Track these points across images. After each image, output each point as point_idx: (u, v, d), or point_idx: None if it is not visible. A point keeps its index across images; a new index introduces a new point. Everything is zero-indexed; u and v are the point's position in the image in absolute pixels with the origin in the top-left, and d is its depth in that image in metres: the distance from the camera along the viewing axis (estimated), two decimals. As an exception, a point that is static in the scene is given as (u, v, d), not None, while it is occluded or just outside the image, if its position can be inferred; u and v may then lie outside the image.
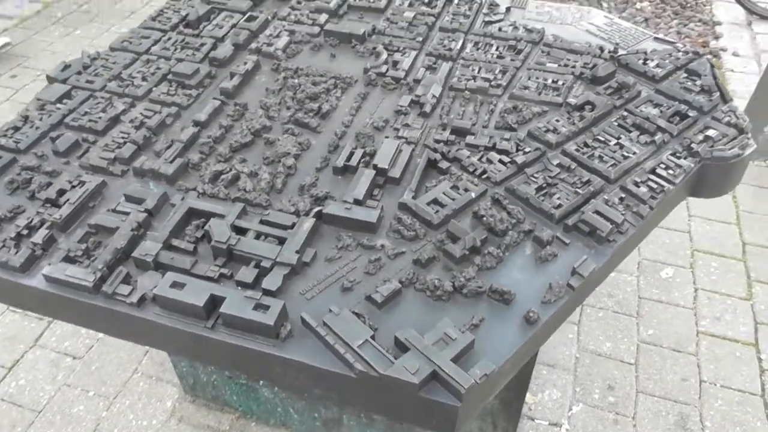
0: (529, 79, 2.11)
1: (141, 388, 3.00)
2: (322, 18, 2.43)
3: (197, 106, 2.05)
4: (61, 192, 1.72)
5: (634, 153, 1.80)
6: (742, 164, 1.84)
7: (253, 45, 2.30)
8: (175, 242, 1.58)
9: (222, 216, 1.63)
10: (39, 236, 1.59)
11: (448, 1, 2.56)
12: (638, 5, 5.98)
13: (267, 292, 1.46)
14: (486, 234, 1.59)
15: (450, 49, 2.25)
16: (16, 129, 1.95)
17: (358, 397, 1.41)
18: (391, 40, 2.32)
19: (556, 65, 2.16)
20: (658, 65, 2.12)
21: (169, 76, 2.14)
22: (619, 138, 1.86)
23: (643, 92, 2.04)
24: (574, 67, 2.15)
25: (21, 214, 1.70)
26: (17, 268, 1.54)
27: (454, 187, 1.72)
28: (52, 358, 3.12)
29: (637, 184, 1.71)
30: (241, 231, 1.60)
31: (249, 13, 2.45)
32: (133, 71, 2.18)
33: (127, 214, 1.65)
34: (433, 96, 2.03)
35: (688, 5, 5.97)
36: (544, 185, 1.72)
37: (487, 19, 2.42)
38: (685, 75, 2.09)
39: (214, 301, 1.43)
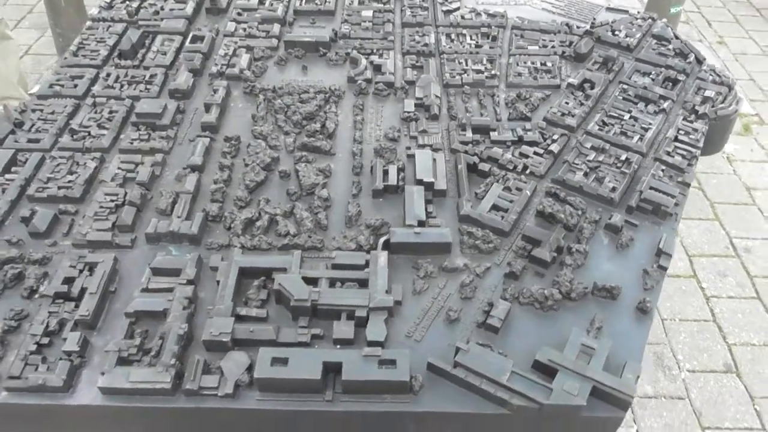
0: (518, 65, 2.08)
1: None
2: (275, 28, 2.22)
3: (182, 149, 1.78)
4: (69, 280, 1.40)
5: (650, 123, 1.84)
6: (736, 119, 1.96)
7: (213, 69, 2.03)
8: (242, 311, 1.36)
9: (283, 270, 1.42)
10: (71, 342, 1.28)
11: (397, -6, 2.45)
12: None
13: (372, 344, 1.30)
14: (564, 232, 1.54)
15: (426, 45, 2.16)
16: (-35, 215, 1.56)
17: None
18: (361, 43, 2.17)
19: (536, 47, 2.16)
20: (627, 35, 2.19)
21: (133, 119, 1.83)
22: (630, 111, 1.89)
23: (626, 63, 2.09)
24: (554, 47, 2.16)
25: (25, 319, 1.36)
26: (60, 388, 1.23)
27: (506, 189, 1.65)
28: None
29: (669, 154, 1.75)
30: (310, 282, 1.41)
31: (191, 34, 2.16)
32: (82, 120, 1.83)
33: (168, 290, 1.39)
34: (436, 96, 1.93)
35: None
36: (588, 170, 1.70)
37: (444, 8, 2.35)
38: (655, 41, 2.18)
39: (326, 370, 1.25)
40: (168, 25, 2.20)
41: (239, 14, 2.29)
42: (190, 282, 1.41)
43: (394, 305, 1.37)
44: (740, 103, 1.93)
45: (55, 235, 1.54)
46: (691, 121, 1.86)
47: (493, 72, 2.03)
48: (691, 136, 1.80)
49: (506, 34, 2.23)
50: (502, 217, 1.57)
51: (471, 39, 2.20)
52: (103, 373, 1.24)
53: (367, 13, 2.28)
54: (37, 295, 1.41)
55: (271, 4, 2.34)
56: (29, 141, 1.77)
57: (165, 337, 1.30)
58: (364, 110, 1.92)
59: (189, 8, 2.29)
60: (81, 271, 1.42)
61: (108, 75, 1.99)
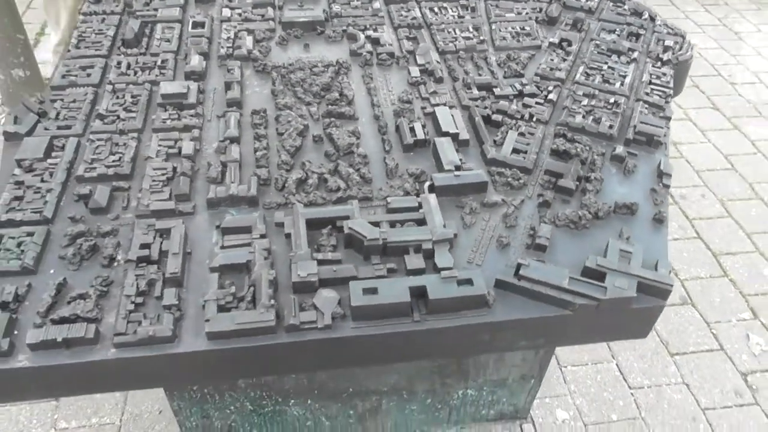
0: (500, 30, 2.29)
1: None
2: (270, 11, 2.32)
3: (211, 125, 1.86)
4: (146, 246, 1.48)
5: (625, 72, 2.10)
6: (692, 63, 2.26)
7: (222, 51, 2.12)
8: (319, 256, 1.48)
9: (346, 217, 1.56)
10: (168, 297, 1.37)
11: (373, -25, 2.60)
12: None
13: (443, 269, 1.46)
14: (579, 164, 1.76)
15: (415, 18, 2.33)
16: (20, 199, 1.58)
17: (571, 332, 1.50)
18: (354, 20, 2.31)
19: (513, 14, 2.38)
20: (587, 0, 2.45)
21: (159, 101, 1.89)
22: (606, 63, 2.14)
23: (592, 24, 2.35)
24: (528, 13, 2.39)
25: (111, 284, 1.42)
26: (169, 338, 1.31)
27: (521, 134, 1.85)
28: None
29: (648, 95, 2.01)
30: (374, 225, 1.55)
31: (191, 20, 2.23)
32: (107, 105, 1.88)
33: (246, 245, 1.49)
34: (437, 62, 2.11)
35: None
36: (585, 113, 1.93)
37: (421, -15, 2.53)
38: (612, 3, 2.45)
39: (411, 294, 1.39)
40: (165, 14, 2.26)
41: (230, 1, 2.37)
42: (262, 236, 1.51)
43: (454, 237, 1.53)
44: (693, 49, 2.23)
45: (114, 209, 1.60)
46: (659, 68, 2.13)
47: (481, 38, 2.23)
48: (662, 79, 2.08)
49: (482, 5, 2.44)
50: (524, 158, 1.77)
51: (452, 11, 2.39)
52: (207, 320, 1.33)
53: (353, -7, 2.43)
54: (115, 263, 1.47)
55: (258, -10, 2.44)
56: (59, 128, 1.80)
57: (256, 284, 1.40)
58: (373, 79, 2.07)
59: (181, -3, 2.36)
60: (154, 237, 1.50)
61: (119, 63, 2.03)
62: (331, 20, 2.31)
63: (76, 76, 1.98)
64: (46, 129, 1.79)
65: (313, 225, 1.56)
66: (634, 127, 1.86)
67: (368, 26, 2.28)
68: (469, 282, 1.41)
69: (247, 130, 1.85)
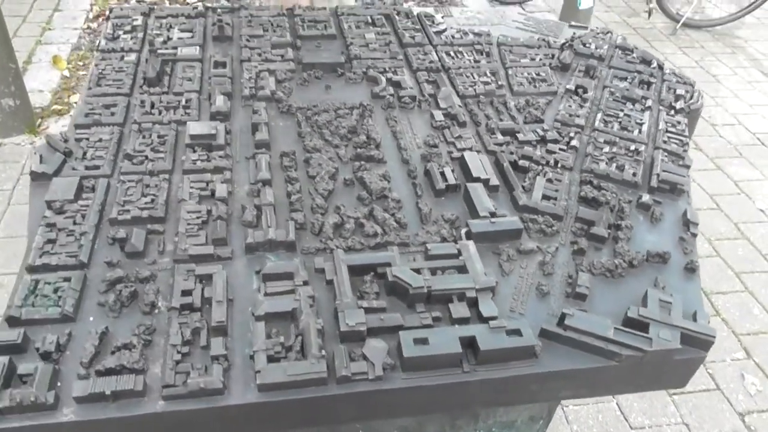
0: (516, 76, 2.34)
1: None
2: (289, 52, 2.33)
3: (240, 167, 1.85)
4: (187, 293, 1.45)
5: (641, 119, 2.17)
6: (701, 111, 2.34)
7: (246, 91, 2.12)
8: (363, 303, 1.47)
9: (387, 264, 1.55)
10: (216, 347, 1.34)
11: (387, 18, 2.64)
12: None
13: (489, 319, 1.46)
14: (609, 212, 1.79)
15: (432, 62, 2.37)
16: (53, 242, 1.54)
17: (613, 382, 1.51)
18: (373, 62, 2.34)
19: (527, 60, 2.44)
20: (596, 47, 2.53)
21: (187, 141, 1.87)
22: (621, 110, 2.21)
23: (603, 71, 2.42)
24: (541, 59, 2.45)
25: (154, 332, 1.39)
26: (219, 390, 1.28)
27: (549, 180, 1.88)
28: None
29: (666, 143, 2.07)
30: (415, 272, 1.55)
31: (213, 60, 2.22)
32: (134, 145, 1.85)
33: (289, 292, 1.47)
34: (459, 106, 2.15)
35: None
36: (608, 160, 1.98)
37: (434, 29, 2.58)
38: (620, 51, 2.54)
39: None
40: (185, 52, 2.25)
41: (248, 41, 2.38)
42: (305, 283, 1.50)
43: (495, 285, 1.54)
44: (703, 98, 2.31)
45: (151, 253, 1.56)
46: (672, 116, 2.21)
47: (499, 83, 2.28)
48: (678, 127, 2.14)
49: (495, 50, 2.50)
50: (554, 204, 1.80)
51: (468, 55, 2.44)
52: (258, 371, 1.31)
53: (371, 36, 2.46)
54: (156, 310, 1.44)
55: (274, 31, 2.45)
56: (87, 168, 1.76)
57: (304, 333, 1.38)
58: (398, 122, 2.09)
59: (198, 36, 2.35)
60: (195, 283, 1.47)
61: (143, 102, 2.01)
62: (351, 62, 2.34)
63: (99, 114, 1.96)
64: (74, 169, 1.76)
65: (354, 271, 1.55)
66: (658, 175, 1.91)
67: (387, 69, 2.31)
68: (518, 332, 1.41)
69: (277, 172, 1.85)
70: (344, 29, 2.53)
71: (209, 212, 1.67)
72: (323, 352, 1.34)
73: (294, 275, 1.51)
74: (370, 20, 2.60)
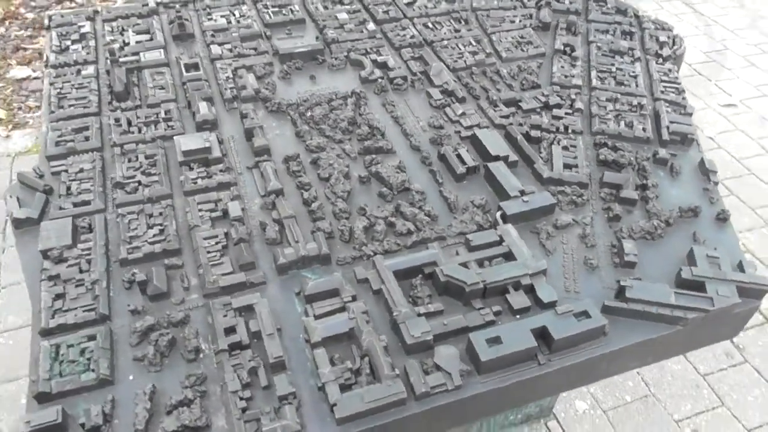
0: (501, 41, 2.26)
1: None
2: (261, 44, 2.16)
3: (243, 178, 1.70)
4: (230, 330, 1.32)
5: (634, 72, 2.14)
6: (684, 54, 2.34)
7: (228, 94, 1.95)
8: (420, 309, 1.38)
9: (433, 263, 1.47)
10: (282, 386, 1.23)
11: (353, -6, 2.49)
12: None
13: (549, 305, 1.41)
14: (632, 172, 1.76)
15: (413, 36, 2.25)
16: (62, 297, 1.37)
17: (676, 345, 1.49)
18: (353, 44, 2.20)
19: (510, 24, 2.36)
20: (571, 2, 2.48)
21: (180, 159, 1.71)
22: (613, 65, 2.17)
23: (584, 26, 2.37)
24: (521, 21, 2.37)
25: (206, 381, 1.26)
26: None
27: (565, 148, 1.83)
28: None
29: (663, 93, 2.05)
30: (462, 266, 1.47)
31: (183, 63, 2.03)
32: (122, 171, 1.67)
33: (339, 311, 1.37)
34: (454, 81, 2.05)
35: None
36: (614, 119, 1.94)
37: (405, 1, 2.45)
38: (595, 3, 2.49)
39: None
40: (150, 57, 2.04)
41: (213, 36, 2.19)
42: (354, 298, 1.40)
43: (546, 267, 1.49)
44: (684, 41, 2.31)
45: (176, 292, 1.42)
46: (662, 64, 2.19)
47: (487, 51, 2.19)
48: (670, 75, 2.13)
49: (472, 16, 2.40)
50: (577, 172, 1.75)
51: (446, 25, 2.33)
52: (334, 405, 1.21)
53: (343, 16, 2.31)
54: (201, 355, 1.31)
55: (238, 22, 2.27)
56: (77, 205, 1.58)
57: (370, 353, 1.29)
58: (395, 106, 1.97)
59: (158, 37, 2.14)
60: (235, 317, 1.35)
61: (117, 121, 1.81)
62: (329, 47, 2.19)
63: (72, 140, 1.75)
64: (61, 208, 1.57)
65: (399, 276, 1.45)
66: (668, 128, 1.88)
67: (369, 50, 2.18)
68: (586, 314, 1.36)
69: (286, 178, 1.71)
70: (311, 11, 2.36)
71: (226, 235, 1.53)
72: (396, 371, 1.26)
73: (339, 291, 1.41)
74: (335, -2, 2.45)
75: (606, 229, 1.63)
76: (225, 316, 1.35)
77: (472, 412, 1.34)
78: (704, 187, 1.76)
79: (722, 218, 1.67)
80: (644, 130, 1.89)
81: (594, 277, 1.52)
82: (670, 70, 2.15)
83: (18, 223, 1.53)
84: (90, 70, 2.00)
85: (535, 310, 1.41)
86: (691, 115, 1.98)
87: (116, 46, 2.09)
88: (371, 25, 2.29)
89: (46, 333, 1.31)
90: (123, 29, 2.20)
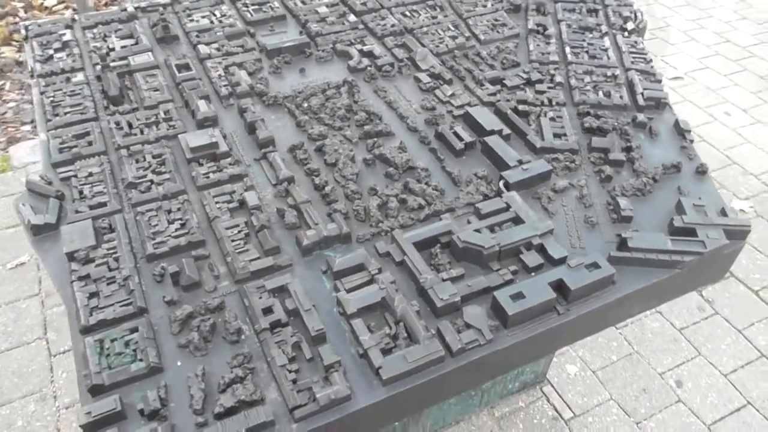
0: (478, 25, 2.36)
1: None
2: (250, 42, 2.21)
3: (252, 170, 1.76)
4: (268, 310, 1.38)
5: (604, 46, 2.27)
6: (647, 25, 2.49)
7: (224, 91, 1.99)
8: (444, 275, 1.47)
9: (448, 233, 1.56)
10: (327, 355, 1.29)
11: (328, -12, 2.56)
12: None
13: (560, 261, 1.52)
14: (616, 136, 1.88)
15: (394, 25, 2.33)
16: (96, 295, 1.40)
17: (675, 288, 1.62)
18: (337, 36, 2.27)
19: (482, 8, 2.46)
20: (536, -17, 2.60)
21: (189, 156, 1.74)
22: (584, 41, 2.30)
23: (551, 6, 2.50)
24: (493, 4, 2.48)
25: (251, 359, 1.31)
26: (347, 397, 1.25)
27: (552, 119, 1.94)
28: None
29: (633, 63, 2.19)
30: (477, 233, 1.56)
31: (174, 64, 2.06)
32: (132, 171, 1.70)
33: (368, 283, 1.44)
34: (440, 64, 2.14)
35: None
36: (592, 89, 2.07)
37: (379, -8, 2.53)
38: (558, -17, 2.62)
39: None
40: (139, 61, 2.06)
41: (198, 36, 2.22)
42: (380, 270, 1.47)
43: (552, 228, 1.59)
44: (644, 14, 2.46)
45: (207, 281, 1.46)
46: (628, 37, 2.33)
47: (465, 35, 2.29)
48: (638, 47, 2.27)
49: (446, 2, 2.50)
50: (566, 140, 1.86)
51: (423, 13, 2.42)
52: (380, 367, 1.28)
53: (323, 9, 2.37)
54: (243, 336, 1.36)
55: (220, 21, 2.30)
56: (93, 207, 1.60)
57: (405, 319, 1.37)
58: (386, 91, 2.05)
59: (144, 41, 2.16)
60: (270, 298, 1.40)
61: (118, 124, 1.84)
62: (315, 40, 2.25)
63: (75, 146, 1.77)
64: (77, 212, 1.59)
65: (418, 246, 1.54)
66: (642, 94, 2.02)
67: (354, 40, 2.25)
68: (596, 265, 1.47)
69: (293, 167, 1.77)
70: (291, 7, 2.41)
71: (246, 224, 1.58)
72: (432, 332, 1.34)
73: (365, 265, 1.48)
74: (311, -7, 2.50)
75: (600, 189, 1.75)
76: (260, 298, 1.40)
77: (503, 363, 1.43)
78: (682, 145, 1.90)
79: (701, 171, 1.81)
80: (621, 97, 2.02)
81: (595, 233, 1.63)
82: (636, 42, 2.30)
83: (36, 230, 1.54)
84: (80, 77, 2.01)
85: (547, 267, 1.51)
86: (660, 81, 2.13)
87: (102, 51, 2.10)
88: (352, 17, 2.36)
89: (87, 330, 1.34)
90: (105, 35, 2.20)
